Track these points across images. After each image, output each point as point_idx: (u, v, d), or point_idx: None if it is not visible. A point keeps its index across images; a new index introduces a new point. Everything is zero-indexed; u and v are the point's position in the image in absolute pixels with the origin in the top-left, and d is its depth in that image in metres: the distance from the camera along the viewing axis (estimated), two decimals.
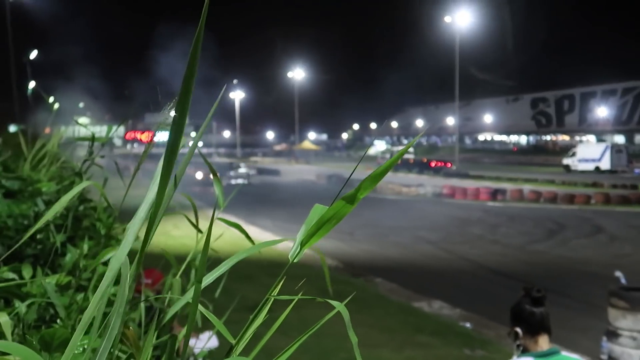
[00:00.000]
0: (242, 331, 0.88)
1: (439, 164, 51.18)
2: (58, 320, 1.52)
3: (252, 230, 17.88)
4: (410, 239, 18.39)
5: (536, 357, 2.99)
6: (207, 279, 0.87)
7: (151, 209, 0.81)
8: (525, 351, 3.07)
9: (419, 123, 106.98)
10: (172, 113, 0.81)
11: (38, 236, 2.16)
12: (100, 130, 2.60)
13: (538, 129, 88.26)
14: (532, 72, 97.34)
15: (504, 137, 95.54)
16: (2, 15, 34.19)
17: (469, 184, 34.12)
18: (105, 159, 2.59)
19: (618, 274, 7.48)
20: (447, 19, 50.42)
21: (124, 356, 1.00)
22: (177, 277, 1.30)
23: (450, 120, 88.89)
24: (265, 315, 0.92)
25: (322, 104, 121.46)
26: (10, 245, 2.06)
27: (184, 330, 1.08)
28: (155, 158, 0.92)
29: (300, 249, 0.86)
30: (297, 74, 77.58)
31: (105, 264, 1.56)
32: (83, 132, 2.71)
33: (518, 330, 3.07)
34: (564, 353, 3.05)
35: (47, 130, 4.11)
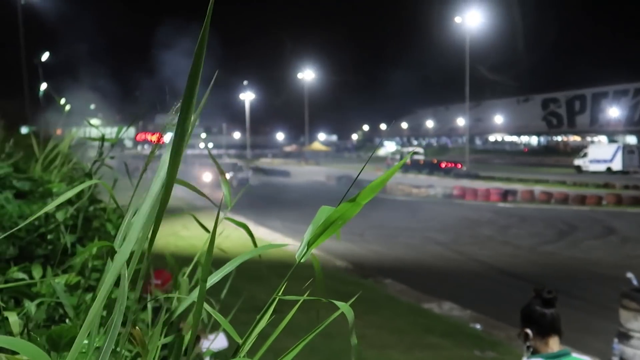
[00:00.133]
0: (249, 331, 0.88)
1: (449, 165, 51.04)
2: (67, 320, 1.53)
3: (261, 231, 17.93)
4: (420, 240, 18.34)
5: (546, 359, 2.98)
6: (213, 279, 0.87)
7: (155, 208, 0.81)
8: (535, 352, 3.06)
9: (429, 124, 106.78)
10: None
11: (48, 236, 2.17)
12: (111, 132, 2.61)
13: (549, 130, 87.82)
14: (543, 72, 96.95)
15: (514, 138, 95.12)
16: (14, 17, 34.45)
17: (480, 185, 34.01)
18: (116, 160, 2.61)
19: (630, 275, 7.43)
20: (457, 19, 50.25)
21: (130, 355, 1.01)
22: (185, 277, 1.31)
23: (461, 121, 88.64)
24: (272, 316, 0.92)
25: (331, 105, 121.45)
26: (21, 245, 2.07)
27: (189, 331, 1.09)
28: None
29: (307, 249, 0.86)
30: (307, 75, 77.59)
31: None
32: (94, 133, 2.73)
33: (528, 331, 3.06)
34: (575, 355, 3.03)
35: (59, 131, 4.14)
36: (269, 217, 21.70)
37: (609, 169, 49.60)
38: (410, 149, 65.41)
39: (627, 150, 50.37)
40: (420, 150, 64.20)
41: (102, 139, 2.36)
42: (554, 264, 14.78)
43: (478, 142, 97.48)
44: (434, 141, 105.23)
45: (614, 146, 52.65)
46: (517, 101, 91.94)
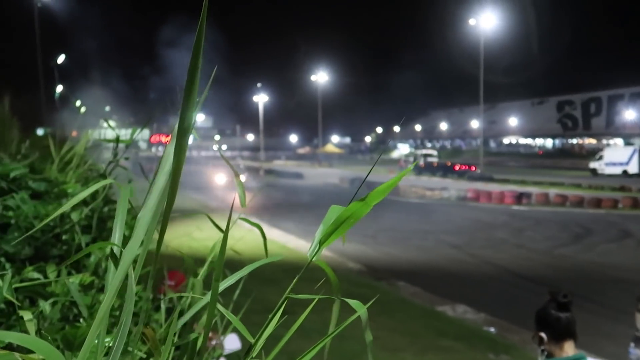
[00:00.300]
0: (261, 330, 0.88)
1: (463, 167, 50.85)
2: (81, 320, 1.53)
3: (275, 232, 17.95)
4: (434, 242, 18.28)
5: None
6: (228, 282, 0.87)
7: (163, 208, 0.81)
8: (550, 356, 3.03)
9: (443, 126, 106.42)
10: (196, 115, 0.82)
11: (63, 237, 2.19)
12: (126, 133, 2.62)
13: (564, 132, 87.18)
14: (558, 74, 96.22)
15: (529, 141, 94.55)
16: (31, 20, 34.78)
17: (494, 188, 33.83)
18: (130, 161, 2.62)
19: None
20: (472, 21, 50.07)
21: (144, 356, 1.01)
22: (199, 277, 1.31)
23: (475, 124, 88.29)
24: (285, 316, 0.92)
25: (345, 107, 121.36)
26: (37, 245, 2.09)
27: (201, 330, 1.09)
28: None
29: (319, 248, 0.86)
30: (321, 77, 77.62)
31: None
32: (109, 135, 2.75)
33: (543, 335, 3.03)
34: (590, 359, 3.00)
35: (74, 133, 4.16)
36: (283, 219, 21.73)
37: (625, 172, 49.16)
38: (424, 151, 65.14)
39: None
40: (434, 152, 63.97)
41: (117, 140, 2.37)
42: (569, 267, 14.67)
43: (492, 144, 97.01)
44: (447, 143, 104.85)
45: (630, 149, 52.19)
46: (532, 103, 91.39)
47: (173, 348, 0.87)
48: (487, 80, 51.64)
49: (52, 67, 35.32)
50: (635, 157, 49.28)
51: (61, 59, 36.42)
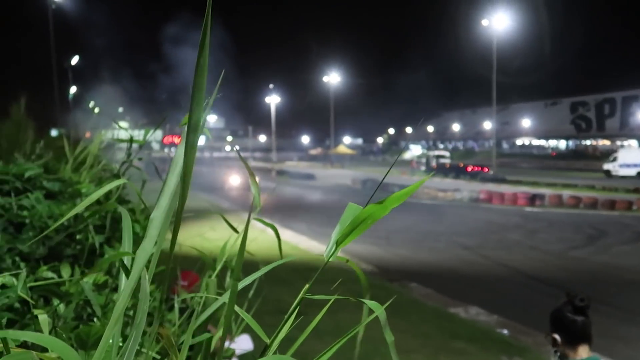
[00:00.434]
0: (276, 331, 0.87)
1: (476, 168, 50.60)
2: (95, 319, 1.54)
3: (287, 233, 17.96)
4: (446, 244, 18.22)
5: None
6: (245, 282, 0.87)
7: (175, 208, 0.81)
8: (563, 358, 3.01)
9: (455, 127, 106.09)
10: (208, 116, 0.82)
11: (77, 236, 2.19)
12: (139, 134, 2.63)
13: (578, 134, 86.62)
14: (572, 75, 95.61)
15: (542, 142, 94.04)
16: (45, 22, 35.05)
17: (507, 189, 33.65)
18: (144, 162, 2.62)
19: None
20: (484, 22, 49.88)
21: (159, 356, 1.01)
22: (213, 277, 1.31)
23: (487, 125, 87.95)
24: (300, 317, 0.91)
25: (357, 108, 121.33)
26: (51, 245, 2.10)
27: (219, 332, 1.08)
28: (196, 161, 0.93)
29: (336, 248, 0.85)
30: (333, 78, 77.64)
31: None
32: (122, 136, 2.75)
33: (557, 336, 3.01)
34: None
35: (88, 134, 4.19)
36: (295, 220, 21.73)
37: (639, 174, 48.75)
38: (436, 152, 64.93)
39: None
40: (446, 153, 63.76)
41: (130, 140, 2.38)
42: (583, 269, 14.56)
43: (505, 145, 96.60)
44: (460, 145, 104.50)
45: None
46: (545, 104, 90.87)
47: (188, 346, 0.87)
48: (500, 81, 51.44)
49: (66, 68, 35.59)
50: None
51: (75, 60, 36.68)
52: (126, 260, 0.94)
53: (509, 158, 79.74)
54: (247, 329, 3.71)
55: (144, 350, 0.89)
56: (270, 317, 1.89)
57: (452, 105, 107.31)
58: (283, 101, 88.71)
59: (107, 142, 3.98)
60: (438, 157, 59.58)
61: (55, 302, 1.49)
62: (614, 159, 51.89)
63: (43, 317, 1.07)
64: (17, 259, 1.92)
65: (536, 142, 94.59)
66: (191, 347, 1.41)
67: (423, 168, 57.97)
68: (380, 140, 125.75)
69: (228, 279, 2.00)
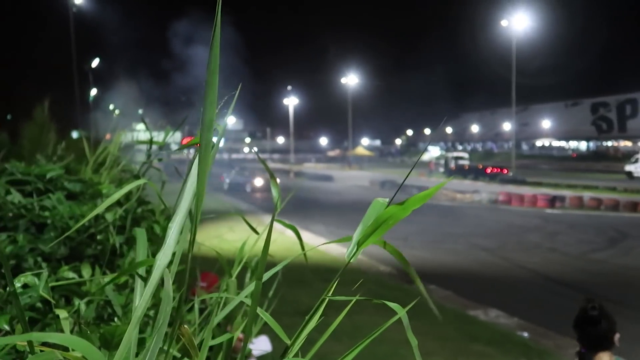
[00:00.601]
0: (297, 332, 0.87)
1: (495, 170, 50.22)
2: (115, 319, 1.55)
3: (305, 235, 17.97)
4: (465, 246, 18.11)
5: None
6: (266, 276, 0.87)
7: (192, 209, 0.81)
8: None
9: (474, 129, 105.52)
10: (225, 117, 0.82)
11: (98, 237, 2.21)
12: (158, 135, 2.65)
13: (598, 135, 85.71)
14: (592, 76, 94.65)
15: (562, 143, 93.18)
16: (66, 25, 35.45)
17: (526, 191, 33.38)
18: (163, 163, 2.64)
19: None
20: (504, 22, 49.56)
21: (179, 356, 1.01)
22: (234, 277, 1.31)
23: (507, 126, 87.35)
24: (320, 317, 0.91)
25: (375, 109, 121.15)
26: (72, 245, 2.11)
27: (238, 331, 1.08)
28: (215, 164, 0.93)
29: (357, 249, 0.85)
30: (351, 79, 77.63)
31: None
32: (142, 137, 2.78)
33: (579, 342, 3.00)
34: None
35: (108, 136, 4.22)
36: (313, 222, 21.74)
37: None
38: (455, 153, 64.57)
39: None
40: (465, 155, 63.38)
41: (150, 141, 2.39)
42: (604, 272, 14.38)
43: (525, 147, 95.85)
44: (479, 146, 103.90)
45: None
46: (566, 105, 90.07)
47: (209, 345, 0.87)
48: (520, 82, 51.10)
49: (87, 71, 35.95)
50: None
51: (95, 62, 37.05)
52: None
53: (529, 159, 79.08)
54: (265, 330, 3.72)
55: (164, 349, 0.89)
56: (289, 319, 1.89)
57: (471, 107, 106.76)
58: (301, 103, 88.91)
59: (127, 143, 4.01)
60: (457, 158, 59.23)
61: (77, 301, 1.50)
62: (636, 160, 51.20)
63: (65, 317, 1.08)
64: (38, 259, 1.94)
65: (556, 143, 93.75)
66: (211, 348, 1.42)
67: (442, 169, 57.69)
68: (398, 141, 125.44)
69: (247, 280, 2.01)
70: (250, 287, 0.90)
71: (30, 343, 0.85)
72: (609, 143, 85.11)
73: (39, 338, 0.73)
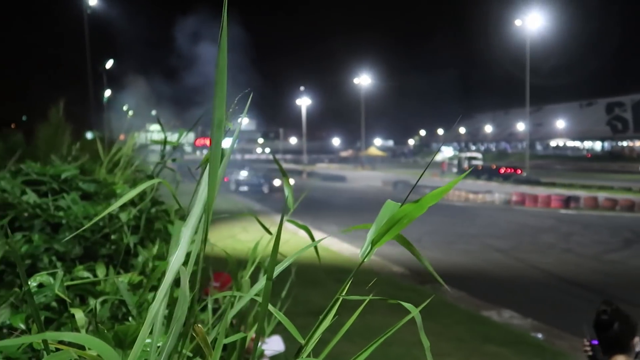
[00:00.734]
0: (311, 331, 0.87)
1: (509, 170, 49.95)
2: (130, 318, 1.55)
3: (318, 235, 17.79)
4: (479, 246, 18.03)
5: None
6: (277, 270, 0.87)
7: (204, 210, 0.82)
8: None
9: (488, 129, 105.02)
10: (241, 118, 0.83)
11: (112, 237, 2.22)
12: (171, 136, 2.66)
13: (614, 135, 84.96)
14: (607, 75, 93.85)
15: (577, 143, 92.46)
16: (80, 26, 35.69)
17: (540, 191, 33.17)
18: (176, 164, 2.65)
19: None
20: (518, 22, 49.28)
21: (191, 355, 1.01)
22: (246, 277, 1.31)
23: (521, 126, 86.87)
24: (334, 317, 0.91)
25: (388, 110, 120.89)
26: (86, 245, 2.13)
27: (252, 331, 1.09)
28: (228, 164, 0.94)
29: (371, 248, 0.85)
30: (364, 80, 77.55)
31: None
32: (156, 137, 2.79)
33: (595, 342, 3.00)
34: None
35: (122, 137, 4.25)
36: (325, 222, 21.72)
37: None
38: (468, 154, 64.31)
39: None
40: (479, 155, 63.09)
41: (165, 142, 2.40)
42: (619, 273, 14.26)
43: (539, 147, 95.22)
44: (492, 146, 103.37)
45: None
46: (580, 105, 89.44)
47: (222, 344, 0.87)
48: (534, 82, 50.81)
49: (101, 72, 36.18)
50: None
51: (109, 63, 37.27)
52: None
53: (543, 160, 78.54)
54: (278, 330, 3.72)
55: (178, 348, 0.89)
56: (301, 319, 1.88)
57: (485, 107, 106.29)
58: (314, 103, 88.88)
59: (140, 144, 4.04)
60: (470, 158, 59.00)
61: (92, 301, 1.51)
62: None
63: (80, 316, 1.09)
64: (53, 258, 1.95)
65: (571, 143, 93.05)
66: (225, 348, 1.42)
67: (455, 170, 57.49)
68: (411, 142, 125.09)
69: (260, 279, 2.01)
70: (261, 284, 0.90)
71: (45, 342, 0.86)
72: (624, 143, 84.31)
73: (54, 337, 0.74)
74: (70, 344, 1.02)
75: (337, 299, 0.89)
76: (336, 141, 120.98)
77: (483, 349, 8.34)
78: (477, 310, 10.57)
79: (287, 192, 1.40)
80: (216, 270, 3.59)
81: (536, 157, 77.36)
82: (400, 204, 0.86)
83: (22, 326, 1.32)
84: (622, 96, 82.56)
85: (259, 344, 2.84)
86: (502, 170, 50.00)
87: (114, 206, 0.97)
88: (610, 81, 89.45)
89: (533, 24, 48.16)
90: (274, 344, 3.60)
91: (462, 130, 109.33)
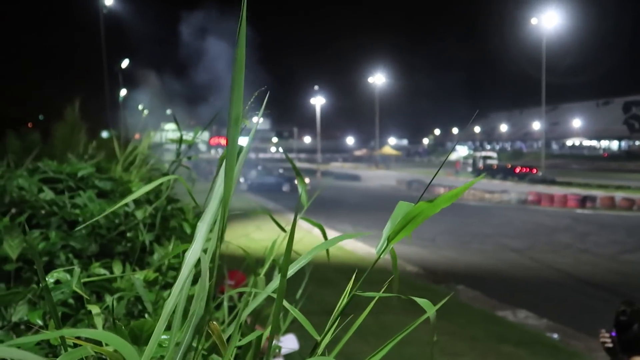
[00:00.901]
0: (327, 327, 0.87)
1: (524, 169, 49.64)
2: (146, 315, 1.56)
3: (331, 234, 17.83)
4: (494, 246, 17.94)
5: None
6: (292, 269, 0.87)
7: (220, 206, 0.82)
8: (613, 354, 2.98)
9: (503, 128, 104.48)
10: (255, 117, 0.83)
11: (128, 234, 2.24)
12: (187, 134, 2.67)
13: (631, 134, 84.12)
14: (624, 74, 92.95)
15: (593, 143, 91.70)
16: (96, 26, 35.94)
17: (556, 191, 32.92)
18: (192, 162, 2.66)
19: None
20: (533, 20, 48.94)
21: (206, 352, 1.02)
22: (262, 275, 1.32)
23: (536, 125, 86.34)
24: (350, 316, 0.91)
25: (402, 109, 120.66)
26: (102, 242, 2.14)
27: (268, 330, 1.09)
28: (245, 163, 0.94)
29: (387, 245, 0.85)
30: (378, 79, 77.41)
31: None
32: (172, 135, 2.80)
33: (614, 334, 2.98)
34: None
35: (137, 135, 4.27)
36: (340, 221, 21.71)
37: None
38: (483, 153, 63.97)
39: None
40: (494, 154, 62.75)
41: (180, 140, 2.41)
42: (636, 273, 14.12)
43: (554, 146, 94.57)
44: (507, 145, 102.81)
45: None
46: (597, 104, 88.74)
47: (237, 341, 0.87)
48: (550, 81, 50.43)
49: (116, 71, 36.42)
50: None
51: (125, 63, 37.50)
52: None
53: (559, 159, 77.98)
54: (292, 329, 3.73)
55: (193, 344, 0.90)
56: (316, 318, 1.88)
57: (500, 106, 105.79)
58: (328, 102, 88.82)
59: (156, 142, 4.06)
60: (485, 158, 58.70)
61: (108, 298, 1.52)
62: None
63: (97, 312, 1.10)
64: (70, 255, 1.97)
65: (587, 142, 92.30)
66: (239, 345, 1.42)
67: (469, 169, 57.25)
68: (425, 141, 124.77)
69: (275, 277, 2.02)
70: (276, 282, 0.90)
71: (63, 338, 0.86)
72: None
73: (72, 333, 0.74)
74: (87, 340, 1.02)
75: (352, 294, 0.89)
76: (350, 140, 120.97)
77: (498, 348, 8.30)
78: (492, 310, 10.52)
79: (300, 190, 1.40)
80: (230, 269, 3.61)
81: (552, 157, 76.86)
82: (413, 204, 0.86)
83: (40, 322, 1.33)
84: (639, 95, 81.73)
85: (275, 341, 2.84)
86: (518, 170, 49.71)
87: (129, 199, 0.97)
88: (627, 80, 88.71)
89: (549, 22, 47.80)
90: (288, 342, 3.61)
91: (477, 129, 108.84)
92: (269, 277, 1.84)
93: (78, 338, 0.99)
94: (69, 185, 2.42)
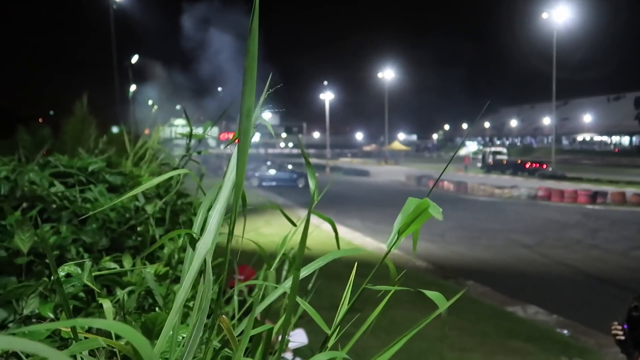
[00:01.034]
0: (336, 320, 0.87)
1: (534, 165, 49.41)
2: (156, 309, 1.57)
3: (341, 230, 17.89)
4: (504, 241, 17.88)
5: None
6: (304, 272, 0.87)
7: (231, 200, 0.82)
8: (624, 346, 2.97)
9: (513, 123, 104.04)
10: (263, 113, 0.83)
11: (138, 229, 2.25)
12: (196, 129, 2.67)
13: None
14: (636, 69, 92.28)
15: (604, 138, 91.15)
16: (106, 21, 36.05)
17: (567, 186, 32.79)
18: (201, 157, 2.67)
19: None
20: (544, 15, 48.63)
21: (219, 345, 1.02)
22: (272, 269, 1.32)
23: (547, 121, 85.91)
24: (359, 312, 0.91)
25: (412, 104, 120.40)
26: (113, 236, 2.16)
27: (278, 324, 1.09)
28: (251, 158, 0.94)
29: (398, 238, 0.84)
30: (387, 74, 77.23)
31: None
32: (182, 130, 2.81)
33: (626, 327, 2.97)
34: None
35: (147, 130, 4.29)
36: (349, 216, 21.72)
37: None
38: (493, 148, 63.73)
39: None
40: (503, 150, 62.48)
41: (190, 134, 2.41)
42: None
43: (565, 142, 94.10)
44: (517, 141, 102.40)
45: None
46: (608, 99, 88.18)
47: (249, 336, 0.87)
48: (560, 76, 50.13)
49: (126, 67, 36.52)
50: None
51: (135, 58, 37.59)
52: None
53: (569, 154, 77.62)
54: (301, 324, 3.73)
55: (205, 338, 0.90)
56: (325, 313, 1.88)
57: (510, 101, 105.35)
58: (337, 98, 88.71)
59: (165, 137, 4.07)
60: (495, 153, 58.45)
61: (119, 291, 1.53)
62: None
63: (107, 305, 1.10)
64: (81, 249, 1.98)
65: (598, 138, 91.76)
66: (250, 339, 1.43)
67: (479, 164, 57.05)
68: (435, 136, 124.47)
69: (284, 272, 2.02)
70: (290, 278, 0.90)
71: (74, 329, 0.87)
72: None
73: (84, 323, 0.75)
74: (98, 332, 1.03)
75: (363, 288, 0.89)
76: (359, 136, 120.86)
77: (508, 344, 8.28)
78: (501, 305, 10.50)
79: (311, 184, 1.39)
80: (240, 263, 3.61)
81: (562, 152, 76.50)
82: (420, 200, 0.86)
83: (51, 315, 1.34)
84: None
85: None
86: (528, 165, 49.48)
87: (138, 190, 0.98)
88: (638, 75, 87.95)
89: (560, 17, 47.49)
90: (297, 337, 3.62)
91: (486, 124, 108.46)
92: (278, 272, 1.85)
93: (89, 331, 0.99)
94: (79, 180, 2.43)
